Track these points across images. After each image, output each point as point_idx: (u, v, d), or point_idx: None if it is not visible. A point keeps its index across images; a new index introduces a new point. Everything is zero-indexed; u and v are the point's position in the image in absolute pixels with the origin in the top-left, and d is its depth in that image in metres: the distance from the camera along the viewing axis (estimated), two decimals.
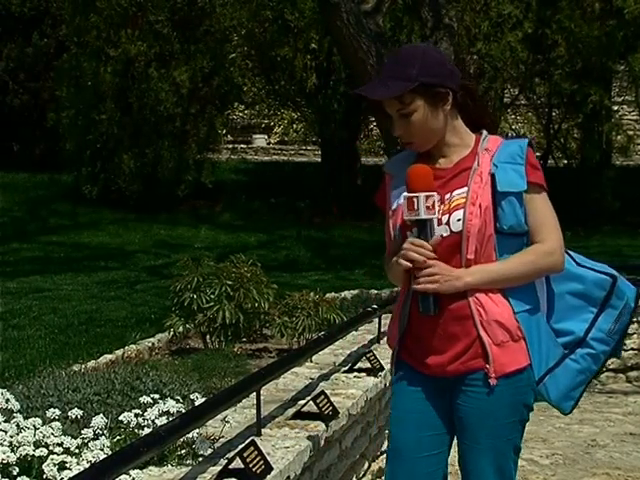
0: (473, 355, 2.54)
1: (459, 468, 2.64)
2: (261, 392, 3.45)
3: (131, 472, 2.76)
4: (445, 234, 2.53)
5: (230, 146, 19.28)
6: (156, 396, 3.43)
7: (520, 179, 2.55)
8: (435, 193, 2.51)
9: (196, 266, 6.30)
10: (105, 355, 5.77)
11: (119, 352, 5.88)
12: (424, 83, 2.52)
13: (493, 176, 2.54)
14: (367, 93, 2.62)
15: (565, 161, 17.73)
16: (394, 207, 2.64)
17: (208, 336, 6.24)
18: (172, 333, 6.41)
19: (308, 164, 19.20)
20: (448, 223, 2.53)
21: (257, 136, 22.03)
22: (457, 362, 2.55)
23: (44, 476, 2.68)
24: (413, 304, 2.60)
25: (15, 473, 2.66)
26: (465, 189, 2.54)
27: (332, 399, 3.57)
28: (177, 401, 3.35)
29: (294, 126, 20.83)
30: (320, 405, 3.51)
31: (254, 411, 3.46)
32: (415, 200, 2.49)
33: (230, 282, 6.11)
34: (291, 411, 3.63)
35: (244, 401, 3.71)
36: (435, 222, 2.51)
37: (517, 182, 2.54)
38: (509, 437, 2.59)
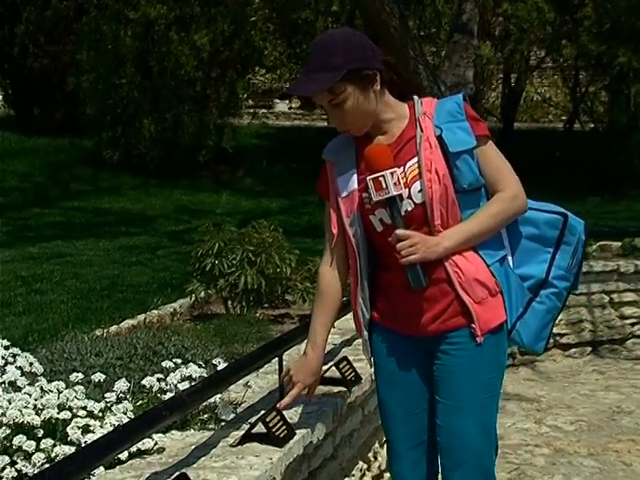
0: (452, 314, 2.61)
1: (436, 429, 2.66)
2: (283, 358, 3.47)
3: (154, 436, 2.80)
4: (410, 208, 2.58)
5: (251, 111, 19.25)
6: (178, 361, 3.46)
7: (468, 136, 2.58)
8: (398, 169, 2.55)
9: (217, 231, 6.32)
10: (127, 320, 5.82)
11: (141, 317, 5.93)
12: (351, 70, 2.52)
13: (440, 138, 2.57)
14: (297, 91, 2.64)
15: (592, 125, 17.55)
16: (345, 194, 2.66)
17: (230, 302, 6.28)
18: (194, 298, 6.45)
19: (330, 129, 19.11)
20: (410, 196, 2.57)
21: (278, 101, 21.95)
22: (437, 322, 2.62)
23: (68, 438, 2.72)
24: (383, 277, 2.66)
25: (40, 435, 2.70)
26: (416, 159, 2.58)
27: (355, 364, 3.58)
28: (199, 366, 3.38)
29: None
30: (343, 371, 3.52)
31: (276, 376, 3.47)
32: (382, 179, 2.53)
33: (252, 247, 6.13)
34: None
35: (266, 366, 3.73)
36: (404, 196, 2.55)
37: (466, 139, 2.58)
38: (492, 393, 2.65)
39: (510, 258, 2.70)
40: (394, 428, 2.78)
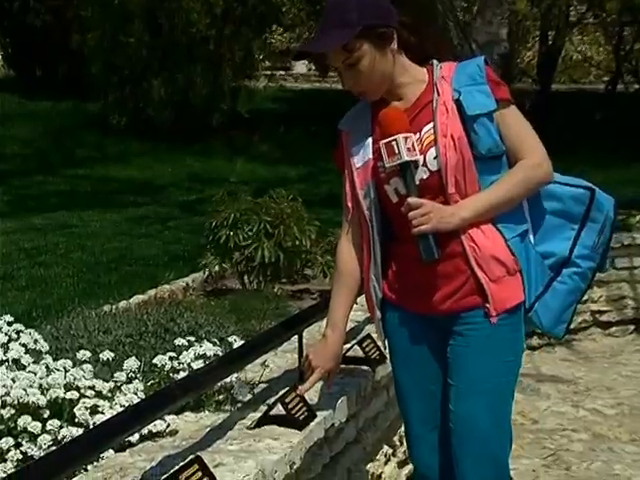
0: (467, 292, 2.62)
1: (448, 414, 2.68)
2: (303, 335, 3.49)
3: (166, 417, 2.83)
4: (425, 176, 2.59)
5: (268, 72, 19.19)
6: (191, 338, 3.48)
7: (487, 98, 2.58)
8: (412, 134, 2.55)
9: (232, 201, 6.34)
10: (137, 295, 5.85)
11: (151, 292, 5.96)
12: (367, 26, 2.53)
13: (458, 102, 2.57)
14: (311, 48, 2.67)
15: (636, 86, 17.38)
16: (360, 164, 2.69)
17: (246, 276, 6.30)
18: (207, 273, 6.47)
19: (352, 93, 19.03)
20: (425, 164, 2.58)
21: (297, 62, 21.85)
22: (450, 300, 2.63)
23: (75, 420, 2.75)
24: (396, 250, 2.68)
25: (46, 416, 2.73)
26: (432, 124, 2.59)
27: (379, 342, 3.60)
28: (214, 344, 3.40)
29: None
30: (366, 349, 3.54)
31: (296, 355, 3.50)
32: (394, 144, 2.54)
33: (269, 218, 6.14)
34: None
35: (285, 345, 3.75)
36: (419, 163, 2.56)
37: (485, 102, 2.58)
38: (507, 378, 2.67)
39: (531, 233, 2.71)
40: (411, 410, 2.82)
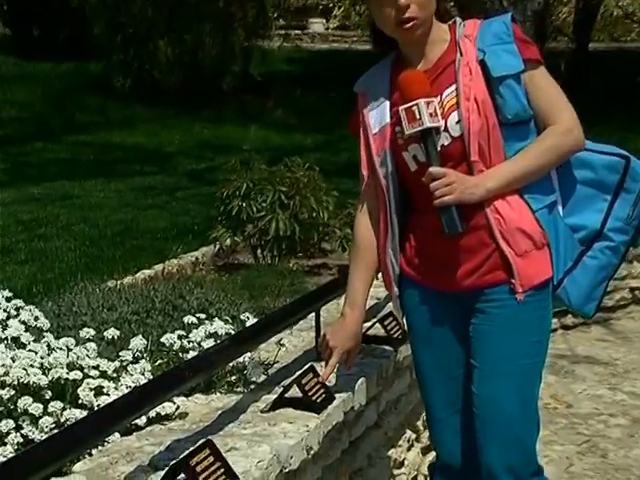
0: (492, 267, 2.62)
1: (472, 398, 2.69)
2: (321, 313, 3.51)
3: (175, 399, 2.85)
4: (446, 142, 2.59)
5: (282, 32, 19.13)
6: (202, 316, 3.50)
7: (514, 59, 2.57)
8: (435, 98, 2.55)
9: (245, 170, 6.34)
10: (143, 270, 5.88)
11: (159, 267, 5.99)
12: None
13: (483, 63, 2.56)
14: None
15: None
16: (376, 129, 2.69)
17: (259, 250, 6.31)
18: (218, 246, 6.49)
19: (372, 53, 18.96)
20: (446, 129, 2.57)
21: (314, 20, 21.78)
22: (473, 276, 2.64)
23: (79, 401, 2.78)
24: (415, 222, 2.69)
25: (47, 397, 2.76)
26: (454, 86, 2.57)
27: (402, 321, 3.61)
28: (225, 322, 3.42)
29: (356, 8, 20.53)
30: (388, 328, 3.55)
31: (312, 334, 3.52)
32: (415, 109, 2.53)
33: (284, 188, 6.15)
34: None
35: (301, 323, 3.77)
36: (441, 129, 2.55)
37: (512, 63, 2.57)
38: (534, 359, 2.67)
39: (560, 205, 2.70)
40: (432, 393, 2.83)
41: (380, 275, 2.95)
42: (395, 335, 3.55)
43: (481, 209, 2.59)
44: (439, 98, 2.58)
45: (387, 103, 2.68)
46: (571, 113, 2.64)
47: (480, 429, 2.68)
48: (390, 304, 4.00)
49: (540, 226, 2.61)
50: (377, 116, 2.69)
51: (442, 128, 2.57)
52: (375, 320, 3.65)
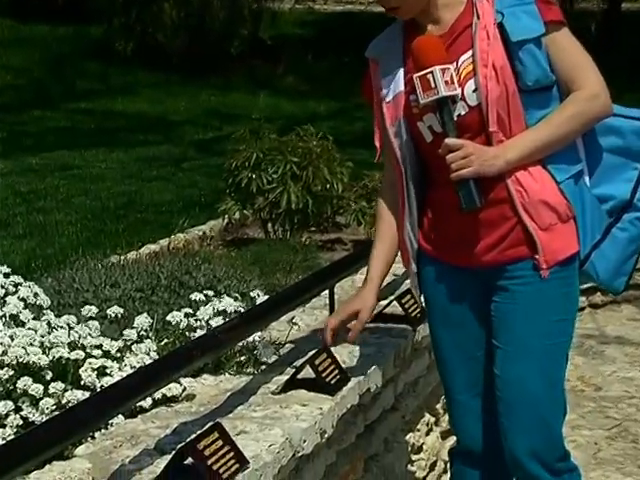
0: (514, 242, 2.62)
1: (494, 380, 2.70)
2: (335, 290, 3.51)
3: (182, 380, 2.87)
4: (463, 112, 2.58)
5: None
6: (210, 293, 3.51)
7: (535, 21, 2.56)
8: (451, 65, 2.53)
9: (255, 140, 6.35)
10: (148, 245, 5.90)
11: (164, 242, 6.01)
12: None
13: (501, 26, 2.55)
14: None
15: None
16: (390, 98, 2.68)
17: (270, 224, 6.33)
18: (227, 220, 6.52)
19: (388, 15, 18.87)
20: (463, 98, 2.57)
21: None
22: (494, 251, 2.64)
23: (81, 382, 2.79)
24: (432, 196, 2.69)
25: (48, 377, 2.77)
26: (471, 52, 2.57)
27: (420, 299, 3.61)
28: (235, 299, 3.43)
29: None
30: (406, 306, 3.55)
31: (326, 312, 3.52)
32: (430, 77, 2.52)
33: (296, 159, 6.16)
34: None
35: (314, 300, 3.78)
36: (458, 98, 2.55)
37: (532, 26, 2.55)
38: (560, 339, 2.68)
39: (586, 175, 2.69)
40: (452, 375, 2.84)
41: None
42: (413, 314, 3.56)
43: (501, 181, 2.59)
44: (455, 65, 2.57)
45: (401, 70, 2.67)
46: (597, 77, 2.62)
47: (503, 412, 2.68)
48: (408, 281, 4.02)
49: (565, 198, 2.61)
50: (390, 84, 2.68)
51: (459, 97, 2.56)
52: (392, 298, 3.65)
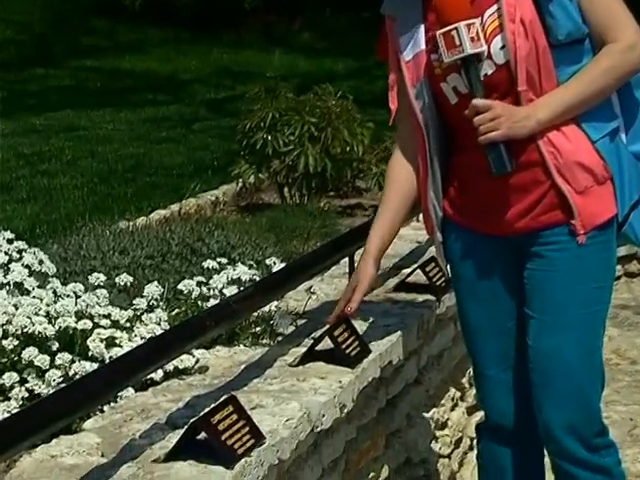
0: (547, 207, 2.61)
1: (528, 351, 2.69)
2: (355, 257, 3.51)
3: (194, 352, 2.87)
4: (490, 71, 2.56)
5: None
6: (223, 261, 3.52)
7: None
8: (476, 20, 2.51)
9: (270, 99, 6.34)
10: (158, 210, 5.92)
11: (175, 207, 6.03)
12: None
13: None
14: None
15: None
16: (410, 57, 2.66)
17: (286, 188, 6.33)
18: (241, 184, 6.52)
19: None
20: (490, 56, 2.54)
21: None
22: (527, 218, 2.63)
23: (89, 353, 2.80)
24: (459, 161, 2.68)
25: (55, 348, 2.79)
26: (496, 6, 2.54)
27: (446, 268, 3.61)
28: (250, 267, 3.44)
29: None
30: (430, 274, 3.55)
31: (346, 281, 3.52)
32: (455, 34, 2.49)
33: (314, 119, 6.15)
34: (393, 282, 3.69)
35: (333, 269, 3.78)
36: (484, 55, 2.52)
37: None
38: (598, 307, 2.67)
39: (623, 132, 2.67)
40: (481, 349, 2.83)
41: (421, 217, 2.95)
42: (438, 283, 3.56)
43: (533, 143, 2.57)
44: (480, 20, 2.54)
45: (421, 27, 2.64)
46: (634, 27, 2.59)
47: (537, 385, 2.68)
48: (432, 248, 4.02)
49: (601, 158, 2.59)
50: (410, 42, 2.66)
51: (485, 54, 2.54)
52: (416, 266, 3.65)
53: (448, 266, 2.88)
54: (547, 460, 2.86)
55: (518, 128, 2.52)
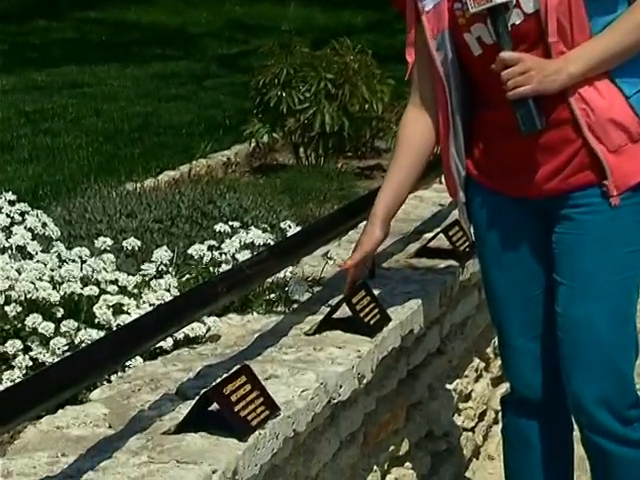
0: (579, 167, 2.60)
1: (557, 320, 2.70)
2: None
3: (206, 319, 2.89)
4: (518, 21, 2.54)
5: None
6: (235, 224, 3.53)
7: None
8: None
9: (285, 54, 6.32)
10: (167, 172, 5.93)
11: (184, 168, 6.03)
12: None
13: None
14: None
15: None
16: (430, 6, 2.65)
17: (301, 148, 6.33)
18: (254, 144, 6.51)
19: None
20: (518, 4, 2.53)
21: None
22: (556, 179, 2.62)
23: (95, 320, 2.83)
24: (483, 118, 2.67)
25: (59, 315, 2.81)
26: None
27: (469, 232, 3.61)
28: (263, 231, 3.44)
29: None
30: (453, 239, 3.56)
31: None
32: None
33: (331, 75, 6.13)
34: (414, 247, 3.69)
35: (351, 233, 3.78)
36: (512, 4, 2.50)
37: None
38: (632, 272, 2.66)
39: None
40: (507, 316, 2.84)
41: (443, 178, 2.95)
42: (461, 247, 3.56)
43: (564, 99, 2.56)
44: None
45: None
46: None
47: (567, 355, 2.69)
48: (455, 212, 4.02)
49: (636, 114, 2.58)
50: None
51: (513, 3, 2.53)
52: (438, 230, 3.66)
53: (472, 230, 2.88)
54: (576, 433, 2.88)
55: (549, 82, 2.51)
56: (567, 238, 2.66)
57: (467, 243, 3.54)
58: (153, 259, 3.19)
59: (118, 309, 2.88)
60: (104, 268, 3.04)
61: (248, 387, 2.35)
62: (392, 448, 3.20)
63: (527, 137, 2.57)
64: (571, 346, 2.67)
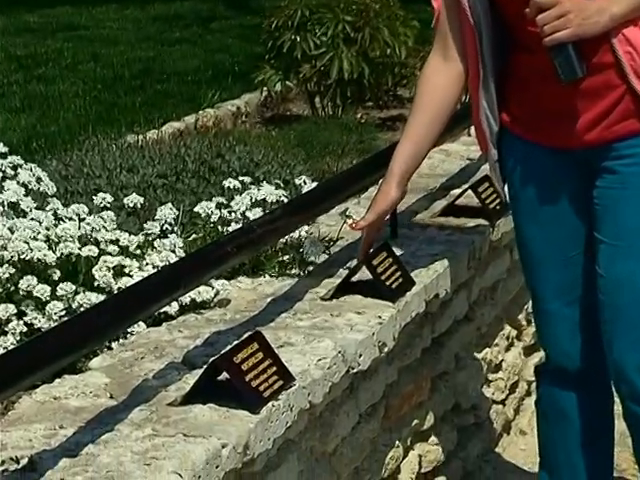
0: (622, 115, 2.60)
1: (597, 282, 2.70)
2: None
3: (214, 282, 2.90)
4: None
5: None
6: (246, 180, 3.53)
7: None
8: None
9: None
10: (171, 123, 5.93)
11: (190, 119, 6.03)
12: None
13: None
14: None
15: None
16: None
17: (317, 98, 6.32)
18: (265, 93, 6.51)
19: None
20: None
21: None
22: (598, 128, 2.62)
23: (95, 283, 2.84)
24: (518, 64, 2.68)
25: (56, 277, 2.82)
26: None
27: (501, 189, 3.61)
28: (276, 187, 3.45)
29: None
30: (483, 196, 3.55)
31: None
32: None
33: (350, 18, 6.11)
34: (440, 204, 3.69)
35: (371, 189, 3.78)
36: None
37: None
38: None
39: None
40: (542, 278, 2.85)
41: (473, 131, 2.94)
42: (492, 205, 3.56)
43: (606, 42, 2.55)
44: None
45: None
46: None
47: (609, 320, 2.69)
48: (485, 166, 4.02)
49: None
50: None
51: None
52: (466, 186, 3.66)
53: (505, 186, 2.88)
54: (617, 407, 2.89)
55: (590, 25, 2.50)
56: (609, 193, 2.66)
57: (498, 200, 3.54)
58: (157, 217, 3.20)
59: (119, 271, 2.89)
60: (104, 227, 3.05)
61: (260, 355, 2.36)
62: (415, 422, 3.21)
63: (566, 85, 2.56)
64: (613, 309, 2.68)
